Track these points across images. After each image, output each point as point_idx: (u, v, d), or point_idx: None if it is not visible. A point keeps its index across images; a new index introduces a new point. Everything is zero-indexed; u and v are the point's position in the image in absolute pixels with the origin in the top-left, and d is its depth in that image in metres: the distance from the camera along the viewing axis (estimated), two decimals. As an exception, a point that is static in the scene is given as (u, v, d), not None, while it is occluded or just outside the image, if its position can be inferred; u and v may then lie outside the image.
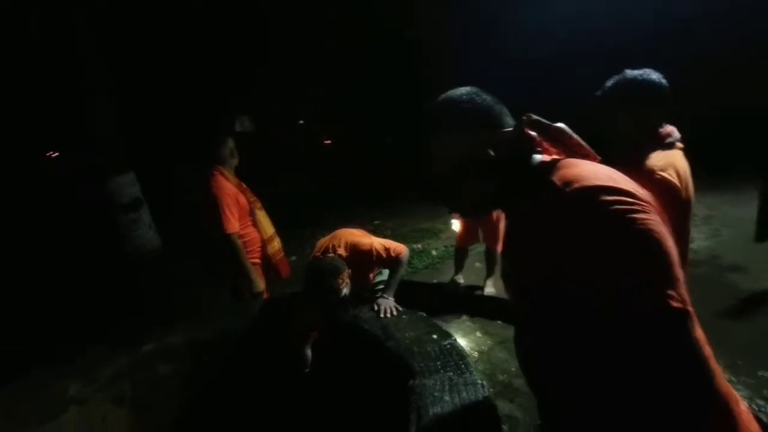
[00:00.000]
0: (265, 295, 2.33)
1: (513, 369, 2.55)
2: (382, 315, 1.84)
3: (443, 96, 0.78)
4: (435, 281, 3.62)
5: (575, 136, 0.76)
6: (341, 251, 1.93)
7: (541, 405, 0.79)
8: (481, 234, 3.18)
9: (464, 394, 1.25)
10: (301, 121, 15.91)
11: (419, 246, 4.54)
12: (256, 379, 1.93)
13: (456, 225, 3.24)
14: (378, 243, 1.99)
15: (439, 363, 1.43)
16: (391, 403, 1.45)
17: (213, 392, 1.92)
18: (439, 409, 1.19)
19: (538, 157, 0.76)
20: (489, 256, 3.23)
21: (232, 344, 2.04)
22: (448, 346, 1.54)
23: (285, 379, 1.89)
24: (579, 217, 0.59)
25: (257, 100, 11.36)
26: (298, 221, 6.06)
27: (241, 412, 1.89)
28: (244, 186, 2.37)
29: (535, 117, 0.75)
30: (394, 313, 1.86)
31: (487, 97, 0.75)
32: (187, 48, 6.63)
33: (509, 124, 0.75)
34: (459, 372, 1.36)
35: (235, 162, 2.33)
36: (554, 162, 0.72)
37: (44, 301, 3.50)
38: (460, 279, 3.40)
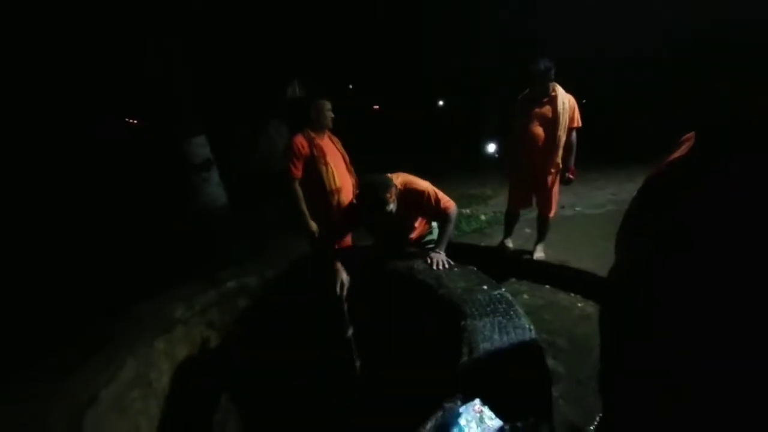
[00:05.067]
0: (317, 234, 2.64)
1: (556, 329, 2.65)
2: (434, 267, 1.98)
3: None
4: (483, 245, 3.69)
5: None
6: (397, 183, 2.04)
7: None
8: (534, 199, 3.17)
9: (512, 334, 1.37)
10: (350, 86, 15.94)
11: (467, 211, 4.58)
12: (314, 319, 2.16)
13: None
14: (432, 189, 2.09)
15: (489, 308, 1.55)
16: (443, 343, 1.61)
17: (282, 324, 2.20)
18: (489, 345, 1.32)
19: None
20: (541, 222, 3.23)
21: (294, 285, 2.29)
22: (498, 296, 1.65)
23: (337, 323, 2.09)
24: None
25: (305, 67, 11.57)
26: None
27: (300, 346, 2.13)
28: (325, 142, 2.69)
29: None
30: (446, 266, 1.99)
31: None
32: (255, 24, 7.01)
33: None
34: (508, 317, 1.48)
35: (325, 123, 2.66)
36: None
37: (135, 248, 4.04)
38: (509, 243, 3.44)
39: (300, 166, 2.61)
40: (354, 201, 2.16)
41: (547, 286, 3.07)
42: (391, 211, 1.97)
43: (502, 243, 3.48)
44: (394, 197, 1.96)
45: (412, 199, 2.07)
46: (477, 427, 0.83)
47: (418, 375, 1.53)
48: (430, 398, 1.34)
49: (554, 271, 3.08)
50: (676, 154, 0.67)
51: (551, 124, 2.84)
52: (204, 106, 4.42)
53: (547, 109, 2.85)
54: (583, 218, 4.01)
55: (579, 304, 2.83)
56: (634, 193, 0.75)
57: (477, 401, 0.91)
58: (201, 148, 4.15)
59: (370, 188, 1.96)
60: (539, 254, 3.25)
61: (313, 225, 2.67)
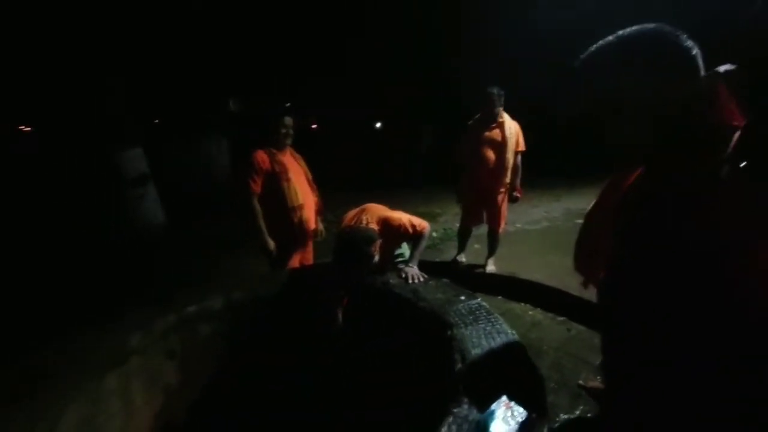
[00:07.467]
0: (274, 253, 2.62)
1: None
2: (410, 281, 2.03)
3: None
4: (437, 260, 3.83)
5: None
6: (373, 225, 2.08)
7: None
8: (485, 215, 3.41)
9: (498, 339, 1.46)
10: (288, 104, 15.73)
11: (419, 228, 4.74)
12: (290, 340, 2.09)
13: None
14: (406, 218, 2.16)
15: (471, 317, 1.63)
16: (427, 354, 1.65)
17: (250, 351, 2.07)
18: (479, 350, 1.39)
19: None
20: (492, 238, 3.47)
21: (265, 308, 2.19)
22: (476, 305, 1.74)
23: (317, 341, 2.05)
24: None
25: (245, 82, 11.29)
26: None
27: (276, 371, 2.04)
28: (287, 158, 2.67)
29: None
30: (421, 279, 2.05)
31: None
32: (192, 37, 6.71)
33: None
34: (490, 323, 1.57)
35: (287, 140, 2.65)
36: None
37: (67, 271, 3.48)
38: (463, 258, 3.63)
39: (260, 181, 2.55)
40: (334, 261, 2.02)
41: (500, 297, 3.29)
42: (375, 263, 1.97)
43: (456, 258, 3.67)
44: (377, 249, 1.96)
45: (390, 233, 2.12)
46: (512, 420, 0.88)
47: (401, 389, 1.54)
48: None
49: (506, 283, 3.30)
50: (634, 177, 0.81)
51: (500, 147, 3.12)
52: (140, 118, 4.08)
53: (496, 133, 3.13)
54: (524, 233, 4.39)
55: (530, 312, 3.05)
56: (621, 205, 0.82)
57: (504, 397, 0.96)
58: (137, 162, 3.79)
59: (355, 246, 1.90)
60: (491, 267, 3.48)
61: (271, 243, 2.62)
